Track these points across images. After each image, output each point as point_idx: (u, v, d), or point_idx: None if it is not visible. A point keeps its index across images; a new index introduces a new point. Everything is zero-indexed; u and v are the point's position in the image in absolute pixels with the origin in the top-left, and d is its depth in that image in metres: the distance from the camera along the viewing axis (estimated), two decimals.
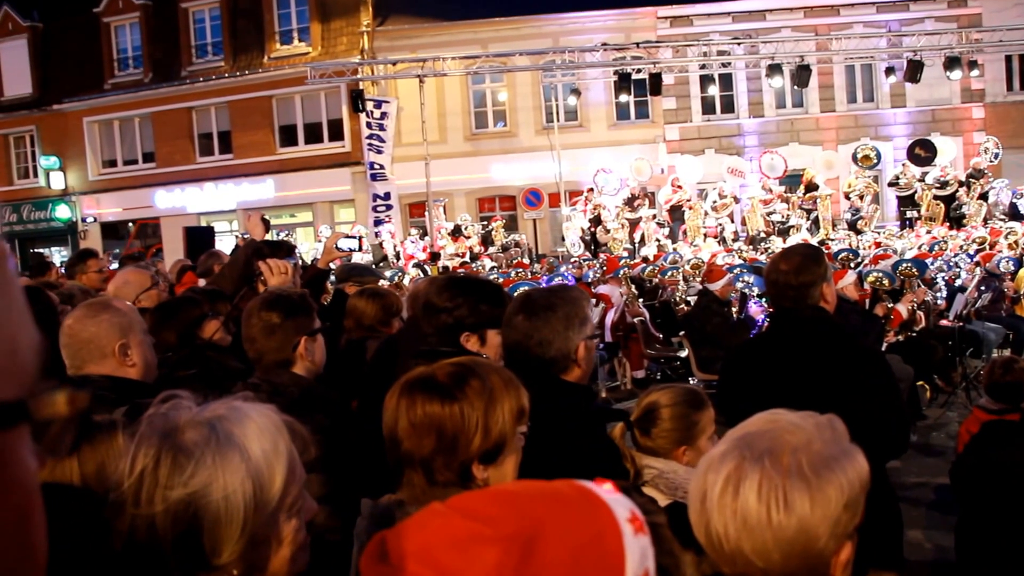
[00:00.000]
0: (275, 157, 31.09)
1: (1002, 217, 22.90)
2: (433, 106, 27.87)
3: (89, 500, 1.88)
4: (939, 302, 12.80)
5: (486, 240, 25.49)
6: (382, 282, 14.68)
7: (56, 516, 1.15)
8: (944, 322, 12.33)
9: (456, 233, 25.18)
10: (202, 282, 6.89)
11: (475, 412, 2.14)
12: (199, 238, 11.21)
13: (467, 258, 23.29)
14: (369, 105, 26.77)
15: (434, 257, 22.74)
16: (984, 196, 23.70)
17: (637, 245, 23.45)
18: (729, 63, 26.88)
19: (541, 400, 2.51)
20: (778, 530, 1.56)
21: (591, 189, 26.05)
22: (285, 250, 5.23)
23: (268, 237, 6.41)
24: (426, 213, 26.02)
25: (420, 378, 2.22)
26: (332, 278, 7.64)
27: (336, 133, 30.59)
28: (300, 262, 5.55)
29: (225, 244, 18.78)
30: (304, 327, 3.55)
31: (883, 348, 10.28)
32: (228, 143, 31.80)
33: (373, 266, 20.98)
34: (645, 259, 18.71)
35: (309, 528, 1.71)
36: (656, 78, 24.13)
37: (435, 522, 1.13)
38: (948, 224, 22.62)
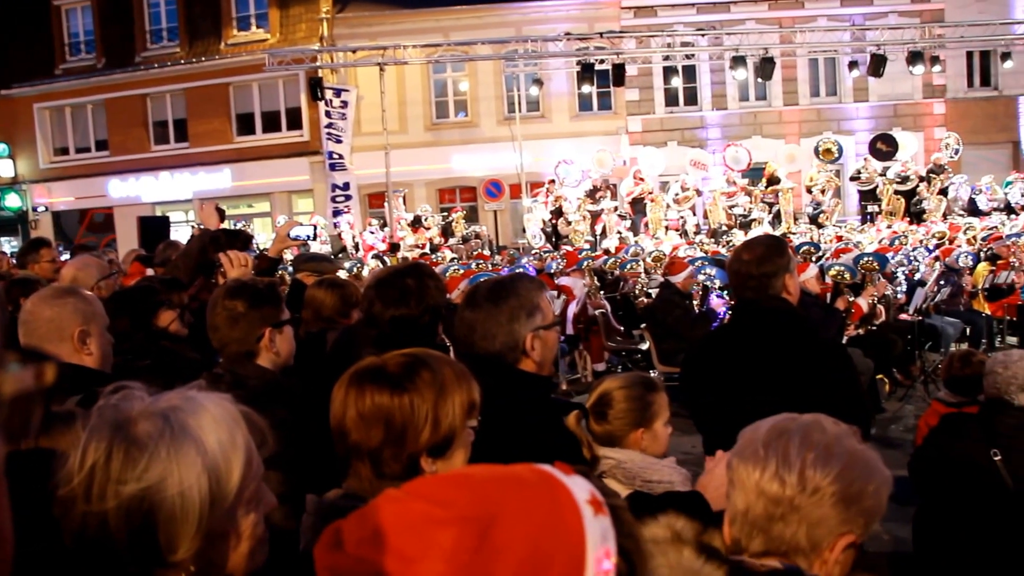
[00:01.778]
0: (232, 146, 30.75)
1: (961, 212, 23.31)
2: (393, 95, 27.64)
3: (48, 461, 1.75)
4: (899, 296, 13.00)
5: (446, 231, 25.30)
6: (340, 272, 14.43)
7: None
8: (904, 316, 12.60)
9: (416, 224, 24.99)
10: (150, 272, 6.74)
11: (425, 404, 2.12)
12: (153, 228, 10.96)
13: (427, 249, 23.07)
14: (328, 94, 26.43)
15: (393, 248, 22.58)
16: (944, 191, 24.03)
17: (598, 237, 23.41)
18: (693, 55, 26.87)
19: (500, 392, 2.56)
20: (790, 503, 1.66)
21: (552, 180, 26.00)
22: (242, 240, 5.12)
23: (224, 226, 6.27)
24: (386, 204, 25.79)
25: (370, 368, 2.19)
26: (289, 268, 7.44)
27: (294, 122, 30.31)
28: (256, 252, 5.42)
29: (181, 234, 18.45)
30: (270, 318, 3.50)
31: (844, 341, 10.42)
32: (184, 131, 31.36)
33: (332, 256, 20.76)
34: (607, 251, 18.71)
35: (267, 526, 1.66)
36: (619, 69, 24.02)
37: (390, 507, 1.12)
38: (908, 219, 22.84)
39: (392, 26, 28.25)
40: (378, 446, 2.11)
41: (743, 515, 1.83)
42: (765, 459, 1.79)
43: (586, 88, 25.67)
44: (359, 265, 17.12)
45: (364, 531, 1.11)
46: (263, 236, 26.42)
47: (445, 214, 26.76)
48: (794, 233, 20.93)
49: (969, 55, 29.87)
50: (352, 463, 2.17)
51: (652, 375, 11.97)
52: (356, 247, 24.08)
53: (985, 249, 15.03)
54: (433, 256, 20.77)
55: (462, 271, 13.87)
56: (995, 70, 29.41)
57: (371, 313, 3.55)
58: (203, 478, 1.49)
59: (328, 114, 27.22)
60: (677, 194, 24.62)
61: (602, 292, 14.06)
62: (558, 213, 24.27)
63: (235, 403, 1.63)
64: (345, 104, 27.44)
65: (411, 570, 1.06)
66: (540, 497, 1.13)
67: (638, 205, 24.70)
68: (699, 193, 25.09)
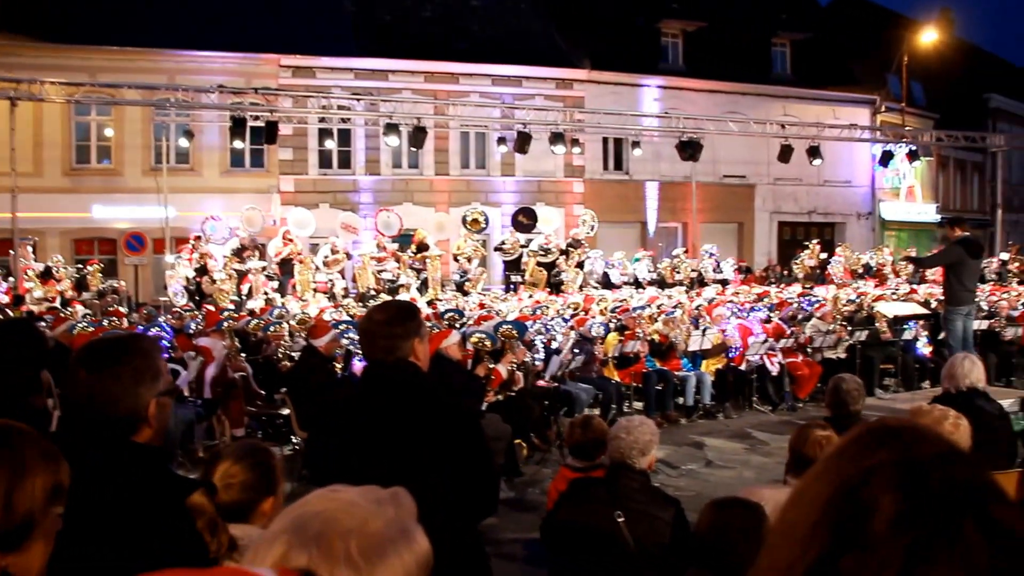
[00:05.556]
0: None
1: (596, 285, 24.65)
2: (28, 134, 25.67)
3: None
4: (537, 363, 13.47)
5: (80, 285, 23.54)
6: None
7: None
8: (541, 383, 13.06)
9: (46, 276, 23.06)
10: None
11: None
12: None
13: (57, 303, 21.34)
14: None
15: (17, 300, 20.73)
16: (581, 264, 25.30)
17: (244, 297, 22.66)
18: (348, 119, 26.97)
19: (111, 467, 2.41)
20: None
21: (199, 237, 24.94)
22: None
23: None
24: (11, 252, 23.73)
25: None
26: None
27: None
28: None
29: None
30: None
31: (484, 407, 10.66)
32: None
33: None
34: (251, 312, 18.15)
35: None
36: (272, 126, 23.58)
37: None
38: (549, 289, 23.77)
39: (31, 59, 26.00)
40: None
41: None
42: None
43: (238, 144, 24.98)
44: None
45: None
46: None
47: (80, 266, 25.01)
48: (440, 299, 21.23)
49: (605, 141, 32.33)
50: None
51: (294, 441, 11.74)
52: None
53: (615, 320, 15.89)
54: (64, 311, 19.31)
55: (92, 328, 13.05)
56: (627, 156, 31.76)
57: None
58: None
59: None
60: (327, 256, 24.39)
61: (243, 354, 13.60)
62: (203, 271, 23.31)
63: None
64: None
65: None
66: None
67: (286, 266, 24.21)
68: (349, 256, 25.00)
